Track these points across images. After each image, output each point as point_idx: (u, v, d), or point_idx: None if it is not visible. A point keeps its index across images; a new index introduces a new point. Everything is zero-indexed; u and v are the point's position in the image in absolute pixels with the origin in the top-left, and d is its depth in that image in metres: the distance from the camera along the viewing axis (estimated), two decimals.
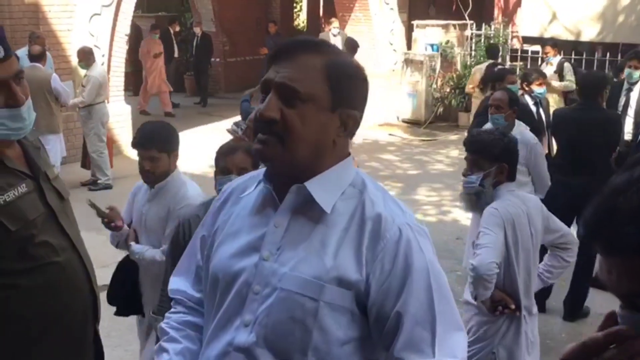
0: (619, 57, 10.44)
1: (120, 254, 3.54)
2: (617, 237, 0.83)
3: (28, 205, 2.06)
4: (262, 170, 1.56)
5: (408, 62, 12.52)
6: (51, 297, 2.11)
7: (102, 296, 2.53)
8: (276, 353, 1.41)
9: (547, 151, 5.90)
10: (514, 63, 11.94)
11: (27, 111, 2.06)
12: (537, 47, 11.94)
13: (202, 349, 1.54)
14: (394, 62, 13.35)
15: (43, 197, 2.12)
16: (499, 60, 10.55)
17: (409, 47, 13.37)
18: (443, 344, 1.39)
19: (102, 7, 9.50)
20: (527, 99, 6.18)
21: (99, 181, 8.25)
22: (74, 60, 8.83)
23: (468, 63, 12.31)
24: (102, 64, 9.21)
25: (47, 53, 7.98)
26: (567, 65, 9.28)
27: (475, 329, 3.11)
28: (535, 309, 3.18)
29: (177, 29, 15.03)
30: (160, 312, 2.68)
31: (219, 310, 1.49)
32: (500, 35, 12.50)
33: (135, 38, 14.18)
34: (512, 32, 12.94)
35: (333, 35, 12.64)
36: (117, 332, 4.29)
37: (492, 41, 12.04)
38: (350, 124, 1.48)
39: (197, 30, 14.43)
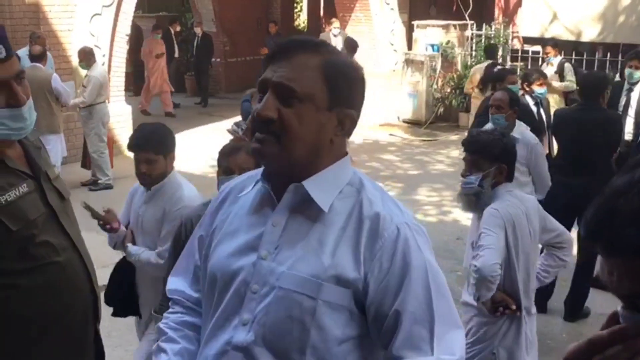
0: (620, 58, 10.44)
1: (120, 255, 3.55)
2: (618, 239, 0.84)
3: (29, 205, 2.06)
4: (259, 169, 1.57)
5: (409, 62, 12.52)
6: (52, 297, 2.11)
7: (102, 296, 2.54)
8: (274, 352, 1.42)
9: (547, 151, 5.90)
10: (515, 63, 11.94)
11: (28, 111, 2.06)
12: (538, 48, 11.93)
13: (200, 349, 1.54)
14: (394, 62, 13.36)
15: (44, 197, 2.13)
16: (499, 60, 10.55)
17: (410, 47, 13.38)
18: (441, 342, 1.40)
19: (102, 7, 9.51)
20: (528, 99, 6.18)
21: (99, 181, 8.26)
22: (75, 60, 8.84)
23: (469, 63, 12.31)
24: (103, 64, 9.22)
25: (48, 53, 8.00)
26: (567, 65, 9.27)
27: (475, 330, 3.12)
28: (534, 309, 3.19)
29: (178, 29, 15.04)
30: (162, 311, 2.68)
31: (217, 310, 1.50)
32: (501, 35, 12.51)
33: (136, 38, 14.21)
34: (513, 32, 12.94)
35: (334, 35, 12.65)
36: (117, 332, 4.29)
37: (492, 41, 12.04)
38: (348, 124, 1.49)
39: (198, 31, 14.45)
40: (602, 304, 4.82)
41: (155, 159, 3.21)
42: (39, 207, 2.10)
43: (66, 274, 2.14)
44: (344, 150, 1.53)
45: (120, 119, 9.86)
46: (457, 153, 9.84)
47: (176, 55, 14.89)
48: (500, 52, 11.74)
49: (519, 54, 12.24)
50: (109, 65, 9.72)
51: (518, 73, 8.75)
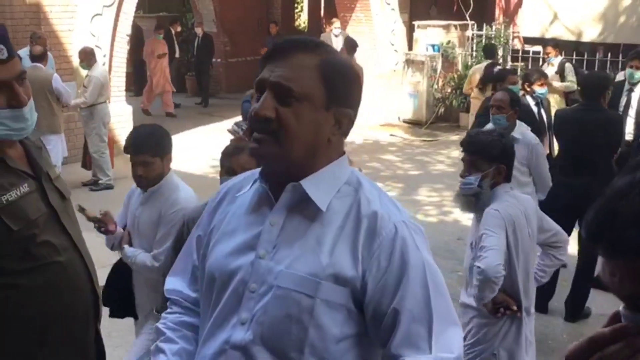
0: (620, 58, 10.43)
1: (118, 256, 3.55)
2: (619, 240, 0.84)
3: (30, 205, 2.06)
4: (257, 169, 1.57)
5: (409, 62, 12.52)
6: (52, 297, 2.11)
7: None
8: (273, 351, 1.42)
9: (548, 152, 5.90)
10: (515, 63, 11.93)
11: (30, 112, 2.06)
12: (539, 48, 11.93)
13: (198, 348, 1.55)
14: (395, 63, 13.36)
15: (45, 197, 2.13)
16: (499, 60, 10.54)
17: (410, 47, 13.38)
18: (439, 340, 1.40)
19: (103, 8, 9.52)
20: (529, 99, 6.19)
21: (100, 181, 8.26)
22: (75, 60, 8.85)
23: (469, 63, 12.30)
24: (104, 64, 9.23)
25: (49, 53, 8.01)
26: (568, 65, 9.27)
27: (475, 331, 3.12)
28: (533, 309, 3.20)
29: (179, 29, 15.06)
30: (164, 310, 2.69)
31: (215, 309, 1.50)
32: (502, 35, 12.50)
33: (136, 38, 14.21)
34: (513, 32, 12.92)
35: (334, 35, 12.65)
36: (118, 332, 4.29)
37: (493, 42, 12.03)
38: (345, 123, 1.50)
39: (199, 31, 14.46)
40: (603, 304, 4.81)
41: (152, 162, 3.19)
42: (40, 207, 2.10)
43: (67, 274, 2.14)
44: (341, 150, 1.54)
45: (121, 119, 9.86)
46: (458, 153, 9.79)
47: (177, 55, 14.90)
48: (500, 52, 11.74)
49: (520, 54, 12.23)
50: (110, 66, 9.73)
51: (519, 73, 8.75)
